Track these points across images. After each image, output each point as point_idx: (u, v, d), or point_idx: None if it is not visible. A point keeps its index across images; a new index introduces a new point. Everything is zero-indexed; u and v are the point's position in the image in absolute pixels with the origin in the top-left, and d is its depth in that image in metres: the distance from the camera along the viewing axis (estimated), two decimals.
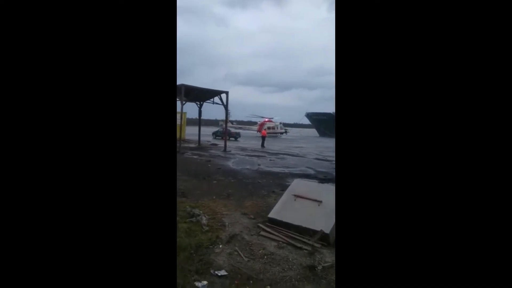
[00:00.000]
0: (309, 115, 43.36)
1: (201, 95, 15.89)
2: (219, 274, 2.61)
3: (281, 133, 34.60)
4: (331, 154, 15.06)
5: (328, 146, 20.27)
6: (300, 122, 48.28)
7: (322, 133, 40.01)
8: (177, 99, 14.14)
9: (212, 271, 2.66)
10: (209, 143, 18.52)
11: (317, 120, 41.64)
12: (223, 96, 15.57)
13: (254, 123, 42.73)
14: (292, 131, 41.09)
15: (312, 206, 4.02)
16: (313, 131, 44.33)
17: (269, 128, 31.16)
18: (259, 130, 34.22)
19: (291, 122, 48.72)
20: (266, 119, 35.95)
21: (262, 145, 19.05)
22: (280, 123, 36.59)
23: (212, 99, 16.47)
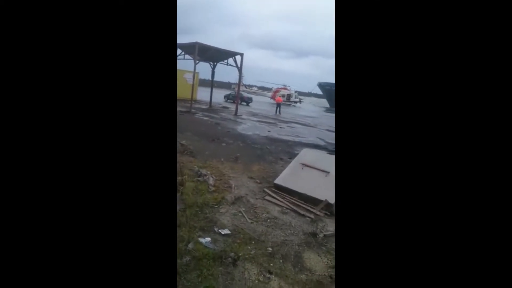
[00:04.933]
0: (322, 85, 41.89)
1: (215, 55, 15.45)
2: (223, 233, 2.69)
3: (296, 102, 34.00)
4: None
5: None
6: (314, 92, 47.03)
7: (333, 103, 39.08)
8: (191, 58, 13.80)
9: (216, 229, 2.75)
10: (220, 106, 18.41)
11: (329, 90, 40.33)
12: (238, 58, 15.10)
13: (268, 89, 41.91)
14: (306, 100, 40.29)
15: (319, 176, 4.01)
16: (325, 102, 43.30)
17: (283, 96, 30.58)
18: (273, 97, 33.70)
19: (305, 91, 47.44)
20: (281, 87, 35.18)
21: (277, 112, 18.92)
22: (296, 91, 35.79)
23: (226, 61, 16.03)
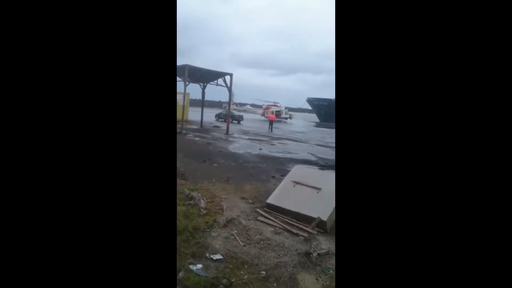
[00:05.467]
0: (310, 100, 42.76)
1: (205, 76, 15.68)
2: (215, 258, 2.63)
3: (286, 118, 34.37)
4: (332, 140, 14.98)
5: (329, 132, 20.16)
6: (303, 107, 47.78)
7: (323, 118, 39.76)
8: (181, 80, 13.96)
9: (207, 255, 2.68)
10: (212, 125, 18.47)
11: (318, 105, 41.16)
12: (227, 78, 15.34)
13: (259, 106, 42.38)
14: (296, 116, 40.82)
15: (311, 193, 4.00)
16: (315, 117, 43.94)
17: (272, 112, 30.98)
18: (263, 114, 34.01)
19: (295, 106, 48.13)
20: (271, 104, 35.64)
21: (270, 129, 19.18)
22: (286, 108, 36.26)
23: (215, 81, 16.26)
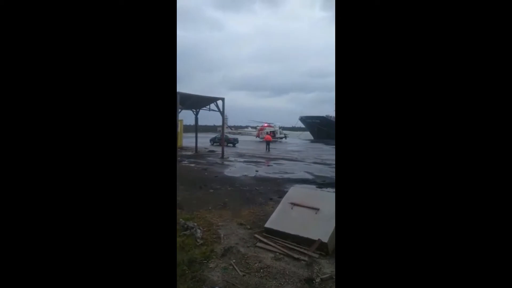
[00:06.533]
0: (303, 119, 43.48)
1: (197, 102, 15.83)
2: None
3: (281, 138, 34.55)
4: (328, 157, 15.00)
5: (325, 149, 20.19)
6: (297, 126, 48.25)
7: (316, 135, 40.18)
8: None
9: None
10: (207, 150, 18.42)
11: (310, 123, 41.83)
12: (219, 102, 15.52)
13: (253, 128, 42.70)
14: (291, 135, 41.11)
15: (309, 214, 3.91)
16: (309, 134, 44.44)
17: (267, 133, 31.17)
18: (258, 136, 34.16)
19: (289, 125, 48.55)
20: (265, 124, 35.89)
21: (267, 150, 19.45)
22: (280, 127, 36.55)
23: (208, 106, 16.42)
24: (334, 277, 2.80)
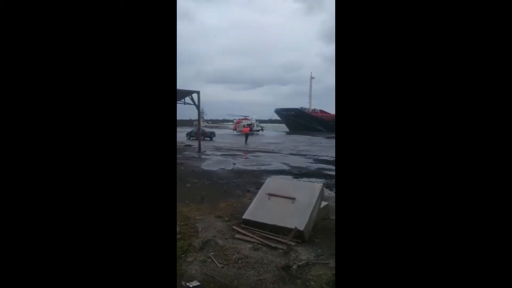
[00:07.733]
0: (278, 111, 43.77)
1: None
2: (191, 286, 2.49)
3: (258, 131, 34.66)
4: (304, 148, 15.29)
5: (300, 141, 20.56)
6: (273, 118, 48.62)
7: (291, 127, 40.73)
8: None
9: (183, 283, 2.53)
10: (183, 144, 18.08)
11: (286, 115, 42.23)
12: (195, 96, 15.21)
13: (230, 121, 42.43)
14: (268, 127, 41.33)
15: (286, 203, 3.99)
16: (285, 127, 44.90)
17: (244, 126, 31.19)
18: (234, 129, 34.04)
19: (265, 118, 48.77)
20: (242, 118, 35.80)
21: (246, 142, 19.83)
22: (256, 120, 36.60)
23: (183, 100, 16.04)
24: (310, 263, 2.89)
